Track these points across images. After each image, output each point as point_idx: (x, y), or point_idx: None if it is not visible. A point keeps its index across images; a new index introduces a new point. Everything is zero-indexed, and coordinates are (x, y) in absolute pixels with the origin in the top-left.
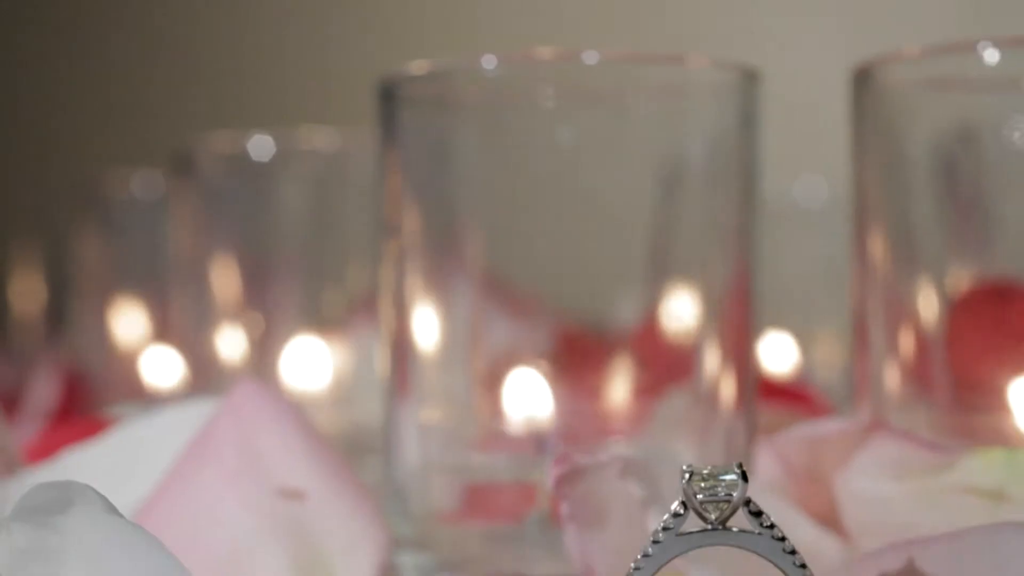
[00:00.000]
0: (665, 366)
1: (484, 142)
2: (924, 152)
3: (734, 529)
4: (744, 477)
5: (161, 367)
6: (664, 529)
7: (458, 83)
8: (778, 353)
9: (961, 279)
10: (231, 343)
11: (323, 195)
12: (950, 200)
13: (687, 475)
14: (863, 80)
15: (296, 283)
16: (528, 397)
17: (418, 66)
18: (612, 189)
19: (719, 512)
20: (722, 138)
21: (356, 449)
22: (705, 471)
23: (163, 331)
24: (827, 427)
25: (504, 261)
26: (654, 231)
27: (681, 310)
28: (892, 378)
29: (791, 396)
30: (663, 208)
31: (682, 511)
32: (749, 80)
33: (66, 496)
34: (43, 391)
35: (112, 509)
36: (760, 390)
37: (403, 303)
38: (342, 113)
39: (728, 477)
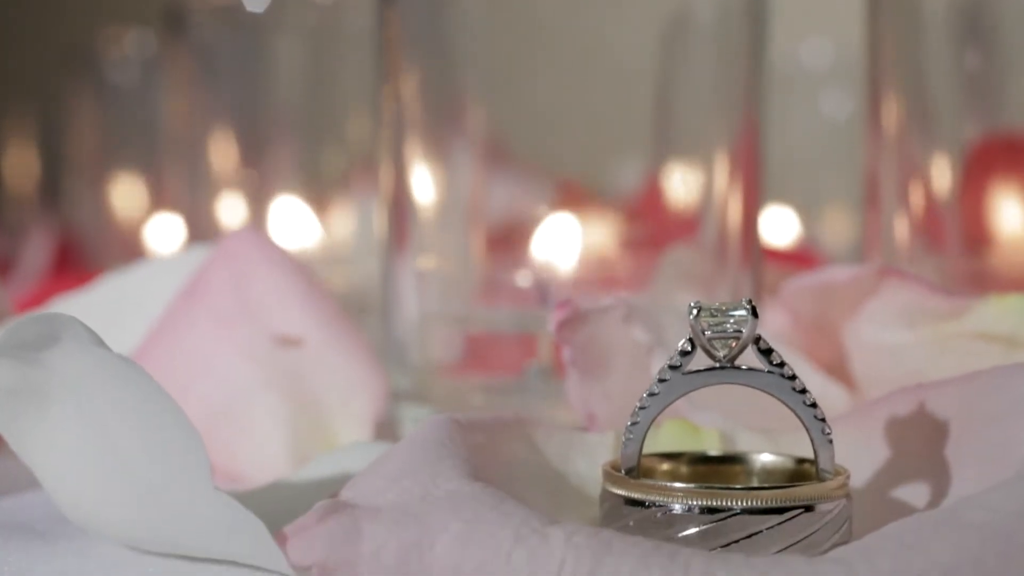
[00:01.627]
0: (670, 223)
1: None
2: (941, 8)
3: (743, 367)
4: (754, 313)
5: (158, 233)
6: (671, 367)
7: None
8: (782, 224)
9: (975, 137)
10: (229, 206)
11: (320, 48)
12: (967, 58)
13: (695, 310)
14: None
15: (293, 140)
16: (530, 251)
17: None
18: (616, 45)
19: (727, 350)
20: None
21: (354, 308)
22: (714, 307)
23: (159, 196)
24: (837, 274)
25: (505, 115)
26: (659, 86)
27: (687, 166)
28: (903, 235)
29: (796, 260)
30: (669, 64)
31: (689, 348)
32: None
33: (52, 330)
34: (36, 256)
35: (100, 342)
36: (765, 256)
37: (402, 159)
38: None
39: (737, 313)
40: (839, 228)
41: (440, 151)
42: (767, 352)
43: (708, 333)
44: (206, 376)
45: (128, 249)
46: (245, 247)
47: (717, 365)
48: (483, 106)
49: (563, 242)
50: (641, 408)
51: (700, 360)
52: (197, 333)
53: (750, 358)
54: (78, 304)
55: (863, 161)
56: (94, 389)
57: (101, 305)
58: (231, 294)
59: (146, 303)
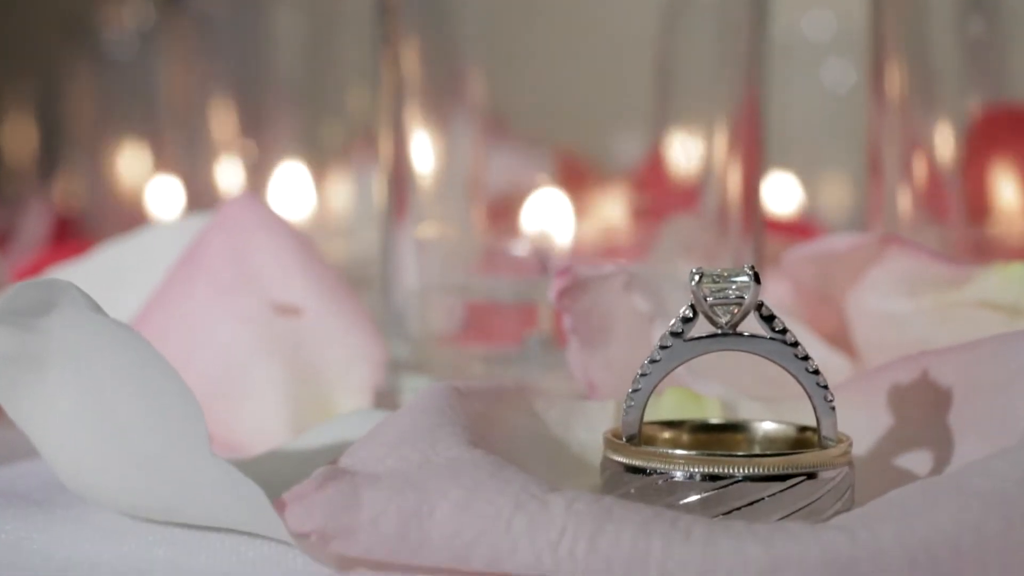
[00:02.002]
0: (671, 193)
1: None
2: None
3: (745, 334)
4: (756, 279)
5: (157, 203)
6: (672, 334)
7: None
8: (783, 194)
9: (978, 107)
10: (229, 177)
11: (319, 18)
12: (969, 28)
13: (697, 276)
14: None
15: (293, 111)
16: (530, 221)
17: None
18: (617, 15)
19: (729, 316)
20: None
21: (353, 280)
22: (716, 273)
23: (159, 165)
24: (839, 242)
25: (505, 85)
26: (661, 57)
27: (688, 137)
28: (905, 205)
29: (797, 231)
30: (670, 35)
31: (691, 315)
32: None
33: (49, 296)
34: (35, 228)
35: (97, 308)
36: (767, 227)
37: (402, 128)
38: None
39: (739, 279)
40: (839, 199)
41: (440, 120)
42: (769, 319)
43: (710, 299)
44: (205, 344)
45: (127, 221)
46: (244, 214)
47: (719, 332)
48: (483, 76)
49: (561, 215)
50: (642, 375)
51: (702, 327)
52: (196, 301)
53: (752, 325)
54: (75, 272)
55: (865, 133)
56: (92, 355)
57: (99, 273)
58: (230, 262)
59: (144, 271)
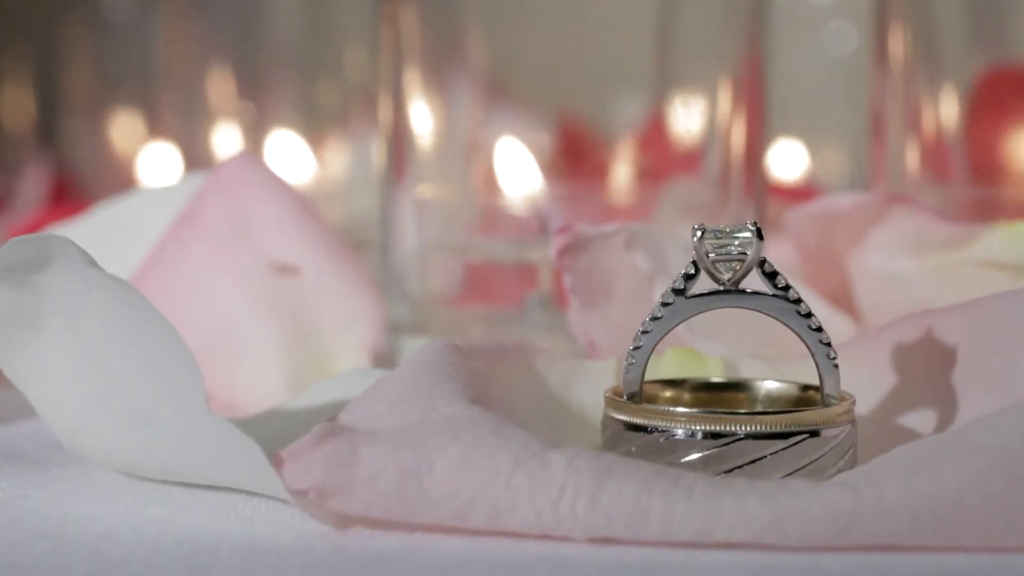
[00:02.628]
0: (673, 157)
1: None
2: None
3: (747, 291)
4: (759, 235)
5: (155, 168)
6: (674, 291)
7: None
8: (784, 157)
9: (982, 69)
10: (226, 140)
11: None
12: None
13: (699, 232)
14: None
15: (291, 74)
16: (529, 182)
17: None
18: None
19: (732, 272)
20: None
21: (351, 244)
22: (718, 229)
23: (156, 132)
24: (841, 202)
25: (505, 46)
26: (662, 19)
27: (690, 99)
28: (908, 168)
29: (798, 194)
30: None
31: (693, 272)
32: None
33: (44, 252)
34: (33, 193)
35: (92, 262)
36: (769, 190)
37: (401, 89)
38: None
39: (742, 235)
40: (841, 163)
41: (439, 81)
42: (772, 275)
43: (712, 255)
44: (203, 304)
45: (125, 185)
46: (241, 173)
47: (721, 288)
48: (483, 37)
49: (561, 178)
50: (644, 332)
51: (704, 284)
52: (193, 261)
53: (755, 282)
54: (71, 232)
55: (866, 97)
56: (88, 311)
57: (95, 234)
58: (228, 221)
59: (141, 231)
